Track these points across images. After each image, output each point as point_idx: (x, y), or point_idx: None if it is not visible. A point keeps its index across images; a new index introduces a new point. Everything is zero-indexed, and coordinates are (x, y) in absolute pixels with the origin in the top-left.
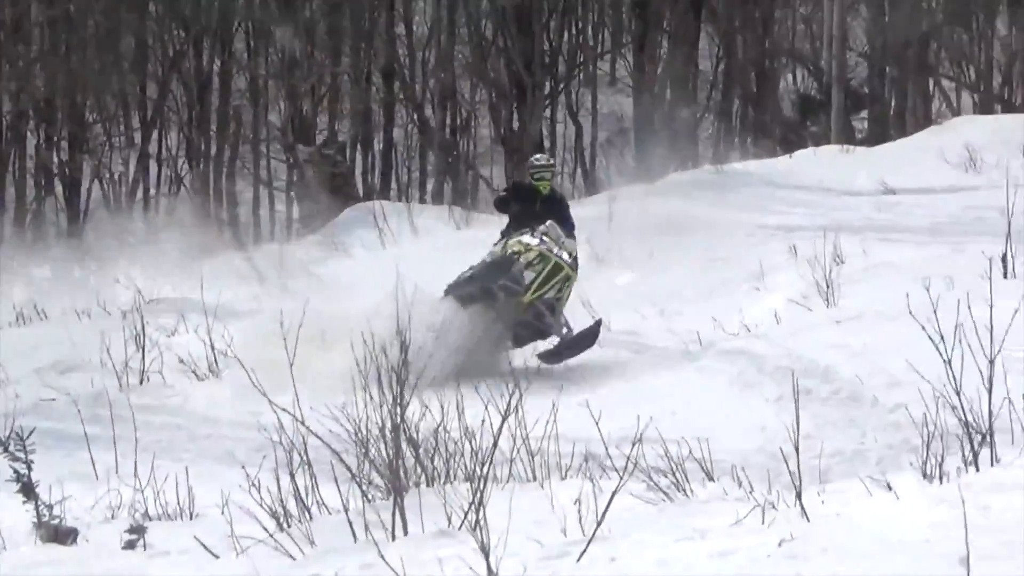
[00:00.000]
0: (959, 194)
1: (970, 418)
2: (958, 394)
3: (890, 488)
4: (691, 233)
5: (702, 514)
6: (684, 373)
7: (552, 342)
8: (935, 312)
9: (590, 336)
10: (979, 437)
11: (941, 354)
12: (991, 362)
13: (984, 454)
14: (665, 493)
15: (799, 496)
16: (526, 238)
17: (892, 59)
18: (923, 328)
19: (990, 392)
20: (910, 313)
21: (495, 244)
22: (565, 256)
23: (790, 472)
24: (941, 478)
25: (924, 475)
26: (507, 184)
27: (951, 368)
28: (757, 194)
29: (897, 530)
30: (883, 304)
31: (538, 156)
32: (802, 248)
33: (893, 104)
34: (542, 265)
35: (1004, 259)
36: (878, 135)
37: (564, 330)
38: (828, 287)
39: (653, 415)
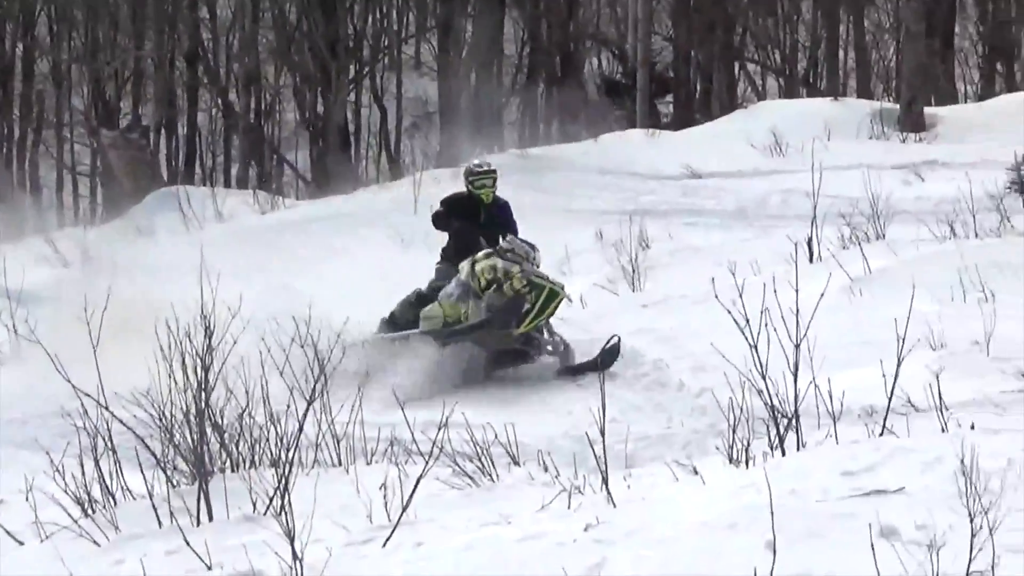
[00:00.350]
0: (765, 178)
1: (776, 402)
2: (764, 378)
3: (696, 472)
4: None
5: (508, 499)
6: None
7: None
8: (741, 296)
9: (610, 358)
10: (785, 421)
11: (747, 338)
12: (796, 346)
13: (790, 438)
14: (471, 478)
15: (605, 481)
16: (499, 263)
17: (698, 43)
18: (729, 312)
19: (795, 376)
20: (716, 297)
21: (438, 263)
22: (553, 278)
23: (596, 457)
24: (747, 462)
25: (730, 459)
26: (442, 199)
27: (757, 352)
28: (562, 178)
29: (703, 514)
30: (689, 288)
31: (478, 162)
32: (608, 232)
33: (699, 88)
34: (535, 294)
35: (810, 243)
36: (684, 119)
37: (561, 347)
38: (634, 271)
39: (459, 400)
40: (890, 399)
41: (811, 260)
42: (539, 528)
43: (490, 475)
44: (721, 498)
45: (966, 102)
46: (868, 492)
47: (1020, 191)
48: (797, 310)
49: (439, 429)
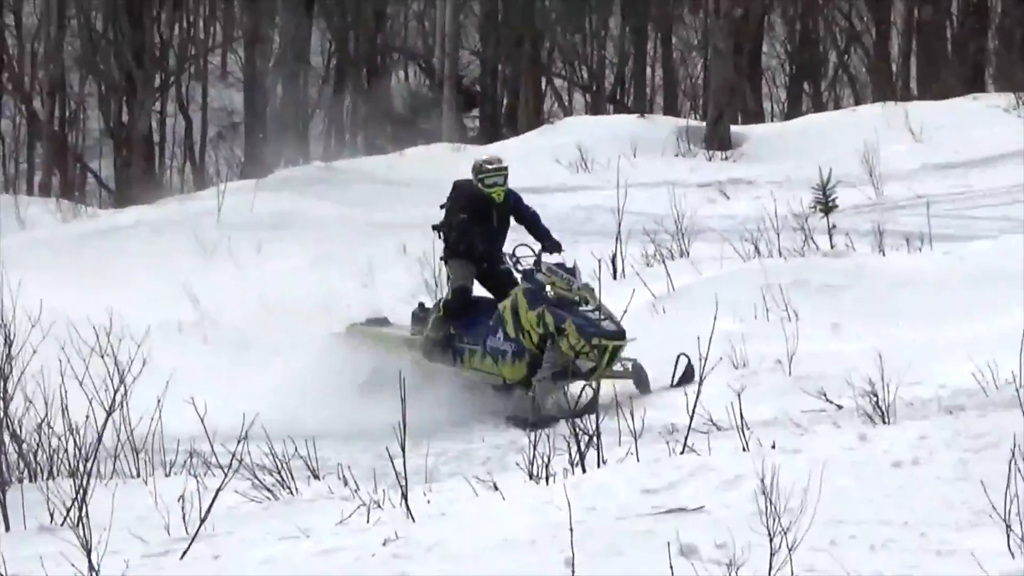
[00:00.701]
0: (570, 194)
1: (577, 419)
2: (565, 395)
3: (496, 488)
4: (301, 229)
5: (307, 513)
6: (294, 369)
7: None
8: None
9: (686, 381)
10: (586, 438)
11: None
12: (599, 363)
13: (591, 455)
14: (270, 491)
15: (405, 496)
16: (548, 317)
17: (505, 57)
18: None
19: (597, 392)
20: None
21: (447, 257)
22: (609, 322)
23: (396, 471)
24: (548, 479)
25: (531, 475)
26: (449, 201)
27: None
28: (367, 191)
29: (503, 530)
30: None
31: (488, 158)
32: (412, 246)
33: (505, 102)
34: (597, 353)
35: (614, 260)
36: (490, 134)
37: (630, 365)
38: (437, 285)
39: (260, 411)
40: (692, 417)
41: (615, 277)
42: (338, 542)
43: (289, 488)
44: (521, 514)
45: (772, 121)
46: (668, 510)
47: (824, 211)
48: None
49: (238, 442)
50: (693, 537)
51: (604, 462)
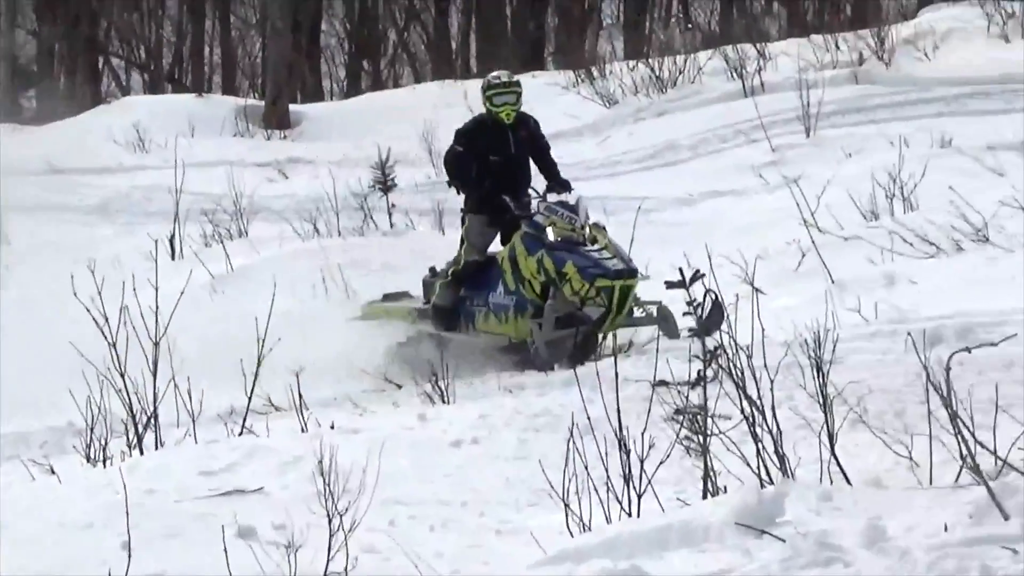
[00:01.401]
0: (127, 174)
1: (135, 400)
2: (123, 376)
3: (53, 472)
4: None
5: None
6: None
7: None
8: (100, 294)
9: (717, 319)
10: (144, 420)
11: (105, 336)
12: (156, 344)
13: (149, 437)
14: None
15: None
16: (547, 261)
17: (61, 36)
18: (88, 310)
19: (155, 374)
20: (75, 295)
21: (466, 210)
22: (616, 260)
23: None
24: (105, 461)
25: (88, 458)
26: (457, 130)
27: (116, 350)
28: None
29: (60, 514)
30: (49, 286)
31: (496, 73)
32: None
33: (63, 82)
34: (605, 297)
35: (172, 240)
36: (47, 113)
37: (655, 311)
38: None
39: None
40: (250, 398)
41: (173, 257)
42: None
43: None
44: (78, 498)
45: (332, 100)
46: (226, 492)
47: (383, 190)
48: (157, 308)
49: None
50: (251, 519)
51: (162, 444)
